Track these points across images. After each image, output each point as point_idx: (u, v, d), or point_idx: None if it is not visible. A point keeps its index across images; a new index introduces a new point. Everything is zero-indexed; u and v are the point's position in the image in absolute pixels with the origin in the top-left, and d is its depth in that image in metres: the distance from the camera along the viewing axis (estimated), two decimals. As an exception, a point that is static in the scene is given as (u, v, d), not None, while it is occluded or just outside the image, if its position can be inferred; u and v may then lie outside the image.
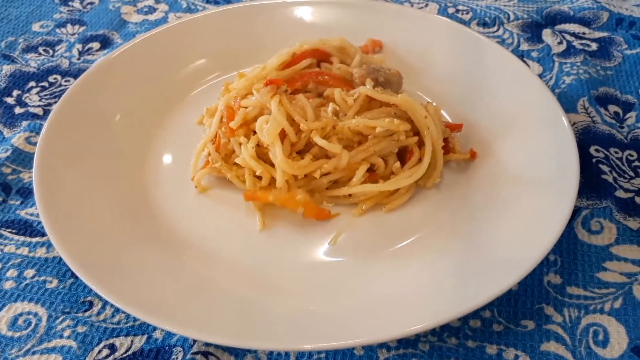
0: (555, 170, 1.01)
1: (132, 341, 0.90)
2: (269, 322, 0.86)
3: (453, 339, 0.89)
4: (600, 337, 0.89)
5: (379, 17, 1.33)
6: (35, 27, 1.52)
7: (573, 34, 1.43)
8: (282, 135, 1.03)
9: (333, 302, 0.89)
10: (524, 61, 1.33)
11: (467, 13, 1.51)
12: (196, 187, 1.08)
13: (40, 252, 1.01)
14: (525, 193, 1.00)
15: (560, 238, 0.90)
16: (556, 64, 1.35)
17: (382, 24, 1.32)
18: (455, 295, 0.87)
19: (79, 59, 1.42)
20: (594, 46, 1.40)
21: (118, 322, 0.92)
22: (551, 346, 0.88)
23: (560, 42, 1.41)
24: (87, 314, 0.93)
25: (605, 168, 1.11)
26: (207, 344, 0.88)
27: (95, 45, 1.46)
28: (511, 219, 0.97)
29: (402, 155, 1.09)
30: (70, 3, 1.59)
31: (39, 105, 1.28)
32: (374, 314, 0.86)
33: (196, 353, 0.87)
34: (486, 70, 1.22)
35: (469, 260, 0.93)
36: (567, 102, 1.23)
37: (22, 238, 1.03)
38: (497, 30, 1.46)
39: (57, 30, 1.50)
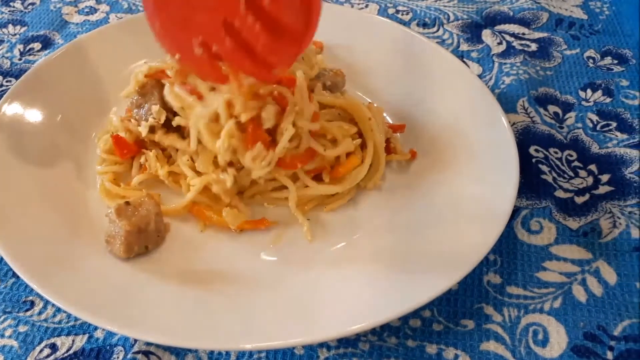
0: (495, 170, 1.01)
1: (73, 340, 0.89)
2: (209, 322, 0.84)
3: (393, 339, 0.88)
4: (540, 336, 0.88)
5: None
6: (-24, 27, 1.47)
7: (513, 35, 1.44)
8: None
9: (273, 302, 0.88)
10: (464, 62, 1.33)
11: (407, 14, 1.51)
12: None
13: None
14: (465, 193, 1.00)
15: (499, 238, 0.90)
16: (496, 65, 1.35)
17: (322, 25, 1.30)
18: (394, 295, 0.86)
19: (20, 59, 1.39)
20: (533, 47, 1.40)
21: (59, 322, 0.91)
22: (491, 345, 0.87)
23: (500, 43, 1.41)
24: (28, 313, 0.92)
25: (544, 168, 1.11)
26: (148, 344, 0.87)
27: (37, 45, 1.43)
28: (451, 219, 0.97)
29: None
30: (11, 3, 1.55)
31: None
32: (313, 313, 0.85)
33: (137, 352, 0.87)
34: (426, 71, 1.22)
35: (409, 260, 0.92)
36: (507, 103, 1.24)
37: None
38: (437, 30, 1.46)
39: (-2, 30, 1.46)
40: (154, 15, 0.90)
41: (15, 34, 1.46)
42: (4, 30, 1.47)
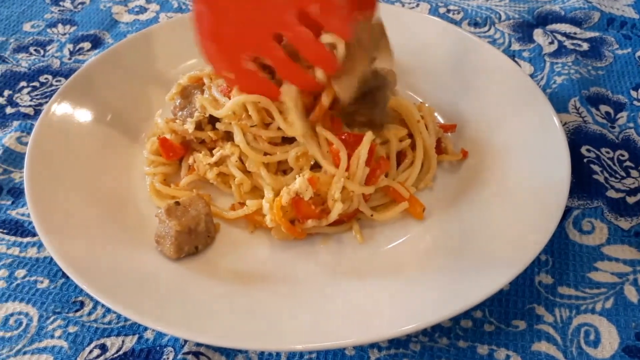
0: (546, 170, 1.01)
1: (123, 341, 0.89)
2: (260, 322, 0.85)
3: (444, 339, 0.89)
4: (592, 337, 0.89)
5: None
6: (26, 27, 1.51)
7: (564, 34, 1.44)
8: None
9: (324, 303, 0.89)
10: (516, 61, 1.33)
11: (458, 13, 1.51)
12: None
13: (31, 252, 1.01)
14: (516, 193, 1.00)
15: (551, 238, 0.90)
16: (547, 64, 1.35)
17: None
18: (446, 295, 0.87)
19: (70, 59, 1.41)
20: (585, 46, 1.40)
21: (109, 322, 0.92)
22: (542, 346, 0.88)
23: (552, 42, 1.41)
24: (78, 314, 0.93)
25: (596, 168, 1.11)
26: (198, 344, 0.88)
27: (87, 45, 1.46)
28: (502, 219, 0.97)
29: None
30: (61, 3, 1.59)
31: (29, 105, 1.27)
32: (364, 313, 0.86)
33: (187, 353, 0.87)
34: (477, 70, 1.22)
35: (460, 260, 0.93)
36: (558, 102, 1.24)
37: (12, 238, 1.03)
38: (489, 30, 1.46)
39: (48, 30, 1.50)
40: (209, 40, 0.95)
41: (65, 34, 1.49)
42: (54, 29, 1.51)
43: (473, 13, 1.51)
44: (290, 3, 0.88)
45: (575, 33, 1.44)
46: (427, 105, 1.14)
